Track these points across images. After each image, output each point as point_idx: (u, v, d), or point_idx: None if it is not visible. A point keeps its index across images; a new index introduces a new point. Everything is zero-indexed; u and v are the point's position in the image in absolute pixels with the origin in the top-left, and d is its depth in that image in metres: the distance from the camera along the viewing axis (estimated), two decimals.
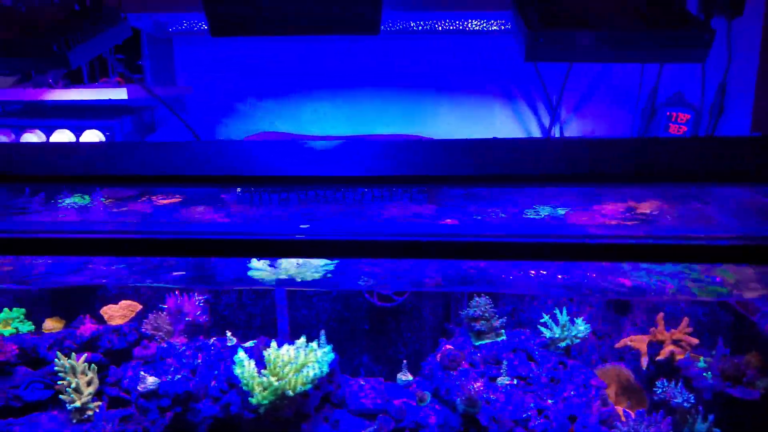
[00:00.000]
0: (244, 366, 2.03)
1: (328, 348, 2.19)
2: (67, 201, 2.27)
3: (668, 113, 2.46)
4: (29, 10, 2.04)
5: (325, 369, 2.10)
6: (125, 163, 1.44)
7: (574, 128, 2.56)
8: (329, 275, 1.84)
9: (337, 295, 2.46)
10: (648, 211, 1.98)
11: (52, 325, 2.40)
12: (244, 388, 2.01)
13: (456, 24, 2.31)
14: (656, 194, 2.09)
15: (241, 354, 2.08)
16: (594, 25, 1.56)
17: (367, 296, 2.40)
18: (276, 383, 1.96)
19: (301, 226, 1.29)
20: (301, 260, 1.83)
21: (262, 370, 2.03)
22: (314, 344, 2.19)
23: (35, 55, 1.74)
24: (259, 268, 1.85)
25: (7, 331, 2.37)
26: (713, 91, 2.45)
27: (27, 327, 2.41)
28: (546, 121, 2.54)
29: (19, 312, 2.42)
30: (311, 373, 2.01)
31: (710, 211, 1.94)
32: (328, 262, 1.85)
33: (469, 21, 2.30)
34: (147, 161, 1.41)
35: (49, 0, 2.09)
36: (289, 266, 1.81)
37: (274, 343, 2.13)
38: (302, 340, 2.20)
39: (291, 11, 1.54)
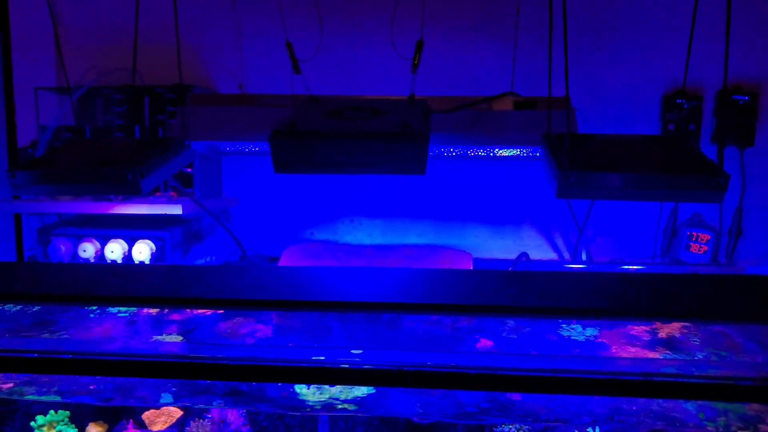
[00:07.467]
0: None
1: None
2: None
3: (689, 233, 2.59)
4: (107, 141, 2.27)
5: None
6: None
7: (600, 245, 2.69)
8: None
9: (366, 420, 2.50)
10: (674, 334, 2.05)
11: (95, 430, 2.48)
12: None
13: (488, 151, 2.49)
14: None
15: None
16: (620, 168, 1.72)
17: None
18: None
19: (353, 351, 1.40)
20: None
21: None
22: None
23: (112, 182, 1.93)
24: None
25: None
26: (731, 214, 2.58)
27: (71, 430, 2.48)
28: (572, 238, 2.67)
29: (63, 414, 2.51)
30: None
31: (734, 336, 2.00)
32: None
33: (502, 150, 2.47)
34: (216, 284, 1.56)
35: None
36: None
37: None
38: None
39: (345, 157, 1.73)
